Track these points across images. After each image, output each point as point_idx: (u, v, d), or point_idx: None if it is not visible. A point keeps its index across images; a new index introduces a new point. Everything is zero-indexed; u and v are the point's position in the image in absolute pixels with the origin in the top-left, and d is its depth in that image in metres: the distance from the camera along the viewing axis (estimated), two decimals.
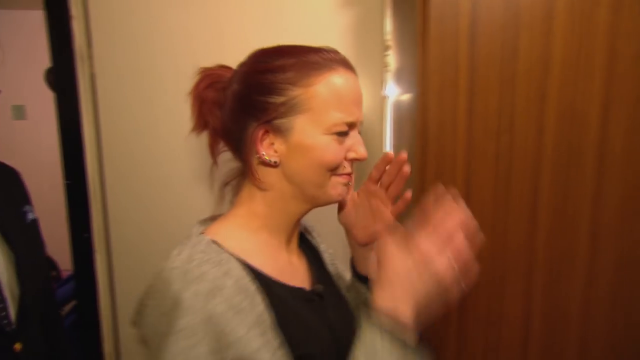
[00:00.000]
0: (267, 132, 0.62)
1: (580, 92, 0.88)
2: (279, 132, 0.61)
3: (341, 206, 0.79)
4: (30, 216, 0.99)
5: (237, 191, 0.70)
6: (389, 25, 1.18)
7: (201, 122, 0.68)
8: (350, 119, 0.62)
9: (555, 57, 0.87)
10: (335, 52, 0.64)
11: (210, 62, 0.72)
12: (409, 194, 0.76)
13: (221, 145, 0.71)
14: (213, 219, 0.69)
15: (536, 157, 0.91)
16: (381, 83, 1.21)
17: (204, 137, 0.71)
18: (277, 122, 0.61)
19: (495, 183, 0.91)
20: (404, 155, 0.74)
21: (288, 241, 0.70)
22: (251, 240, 0.64)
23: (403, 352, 0.50)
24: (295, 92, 0.59)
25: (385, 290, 0.54)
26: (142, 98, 1.20)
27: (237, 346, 0.50)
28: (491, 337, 0.98)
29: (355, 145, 0.65)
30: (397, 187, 0.75)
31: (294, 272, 0.69)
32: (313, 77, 0.59)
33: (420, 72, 0.88)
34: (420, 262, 0.52)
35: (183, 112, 0.75)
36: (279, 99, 0.59)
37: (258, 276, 0.59)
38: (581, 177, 0.91)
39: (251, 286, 0.56)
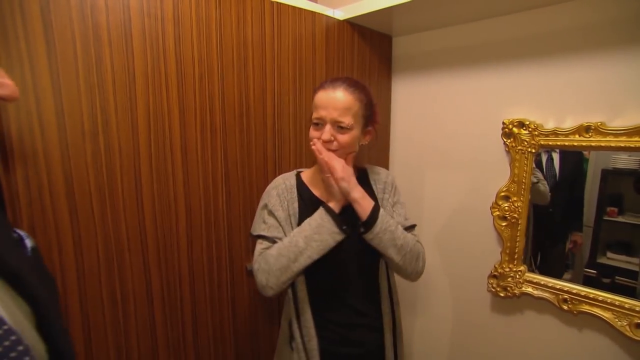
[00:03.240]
0: None
1: (162, 100, 1.12)
2: None
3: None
4: (28, 244, 0.73)
5: None
6: None
7: None
8: (315, 115, 1.07)
9: (137, 70, 1.06)
10: (338, 78, 1.09)
11: None
12: None
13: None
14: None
15: (135, 153, 1.09)
16: None
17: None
18: None
19: (97, 179, 1.03)
20: None
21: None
22: (315, 176, 1.19)
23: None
24: (314, 101, 1.10)
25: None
26: None
27: (269, 208, 1.13)
28: (115, 313, 1.11)
29: (323, 132, 1.06)
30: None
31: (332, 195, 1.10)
32: (316, 92, 1.10)
33: None
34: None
35: None
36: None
37: (303, 189, 1.17)
38: (172, 166, 1.16)
39: (294, 190, 1.16)
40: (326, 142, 1.06)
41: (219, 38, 1.21)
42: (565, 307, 1.32)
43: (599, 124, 1.18)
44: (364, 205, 1.06)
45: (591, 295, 1.25)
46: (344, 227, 1.05)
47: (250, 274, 1.39)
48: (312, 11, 1.44)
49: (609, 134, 1.17)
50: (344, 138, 1.06)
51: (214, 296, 1.31)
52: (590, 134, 1.20)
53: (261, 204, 1.17)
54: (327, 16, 1.49)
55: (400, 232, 1.08)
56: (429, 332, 1.83)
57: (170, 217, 1.18)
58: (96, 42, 0.99)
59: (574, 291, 1.29)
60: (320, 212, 1.06)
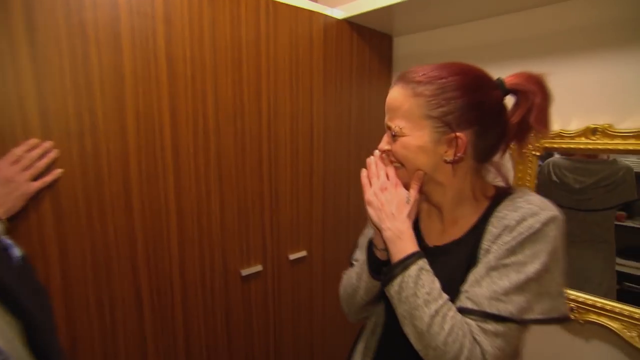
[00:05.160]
0: None
1: (152, 101, 1.08)
2: None
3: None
4: (16, 253, 0.67)
5: None
6: None
7: None
8: (385, 121, 0.80)
9: (126, 69, 1.03)
10: (411, 69, 0.77)
11: None
12: None
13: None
14: None
15: (124, 155, 1.05)
16: None
17: None
18: None
19: (83, 181, 1.00)
20: None
21: (438, 208, 0.84)
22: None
23: None
24: None
25: None
26: None
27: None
28: (106, 318, 1.07)
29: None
30: None
31: (432, 228, 0.86)
32: None
33: None
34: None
35: None
36: None
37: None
38: (163, 169, 1.13)
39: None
40: (383, 152, 0.83)
41: (212, 37, 1.18)
42: (571, 317, 1.26)
43: (607, 126, 1.14)
44: (392, 249, 0.76)
45: (599, 304, 1.20)
46: (375, 274, 0.84)
47: (245, 280, 1.35)
48: (309, 10, 1.40)
49: (616, 137, 1.12)
50: (394, 148, 0.78)
51: (207, 303, 1.27)
52: (597, 137, 1.15)
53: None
54: (325, 15, 1.45)
55: (429, 313, 0.68)
56: None
57: (160, 222, 1.14)
58: (83, 40, 0.96)
59: (580, 299, 1.24)
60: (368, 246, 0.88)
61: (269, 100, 1.34)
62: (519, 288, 0.66)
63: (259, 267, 1.37)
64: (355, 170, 1.65)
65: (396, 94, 0.77)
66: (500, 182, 0.80)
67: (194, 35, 1.14)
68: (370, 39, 1.63)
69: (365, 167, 0.86)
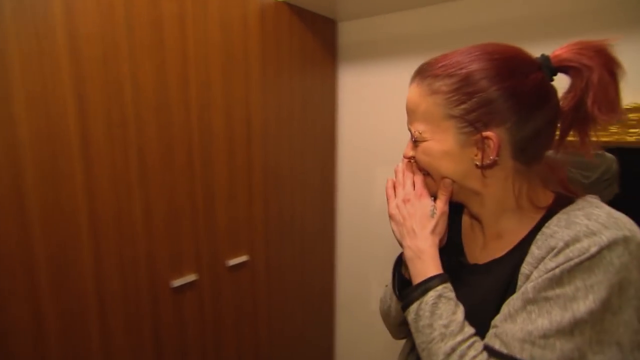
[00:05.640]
0: None
1: (47, 84, 0.90)
2: None
3: None
4: None
5: None
6: None
7: None
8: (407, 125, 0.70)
9: (10, 48, 0.84)
10: (431, 60, 0.66)
11: None
12: None
13: None
14: None
15: (12, 150, 0.86)
16: None
17: None
18: None
19: None
20: None
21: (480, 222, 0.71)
22: None
23: None
24: None
25: None
26: None
27: None
28: None
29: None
30: None
31: (474, 242, 0.73)
32: None
33: None
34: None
35: None
36: None
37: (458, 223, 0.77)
38: (68, 166, 0.94)
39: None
40: (408, 159, 0.73)
41: (126, 12, 1.00)
42: None
43: None
44: (412, 270, 0.67)
45: None
46: (398, 292, 0.75)
47: (177, 291, 1.19)
48: None
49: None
50: (417, 154, 0.69)
51: (131, 322, 1.09)
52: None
53: None
54: None
55: (444, 350, 0.58)
56: None
57: (67, 229, 0.95)
58: None
59: None
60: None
61: (199, 88, 1.19)
62: (564, 331, 0.51)
63: (192, 277, 1.22)
64: (300, 165, 1.54)
65: (412, 94, 0.66)
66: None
67: (102, 9, 0.96)
68: (312, 24, 1.52)
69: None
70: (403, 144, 1.51)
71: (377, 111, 1.57)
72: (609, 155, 0.87)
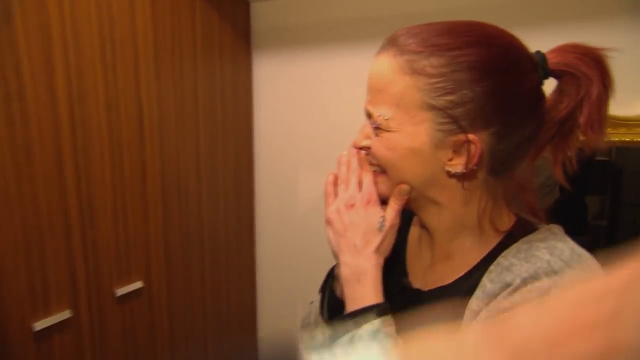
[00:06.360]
0: None
1: None
2: None
3: None
4: None
5: None
6: None
7: None
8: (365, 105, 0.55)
9: None
10: (408, 28, 0.51)
11: None
12: None
13: None
14: None
15: None
16: None
17: None
18: None
19: None
20: None
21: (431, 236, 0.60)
22: None
23: None
24: None
25: None
26: None
27: None
28: None
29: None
30: None
31: (419, 261, 0.63)
32: None
33: None
34: None
35: None
36: None
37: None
38: None
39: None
40: (359, 149, 0.58)
41: None
42: None
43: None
44: (347, 293, 0.56)
45: None
46: (329, 317, 0.61)
47: (41, 336, 0.93)
48: None
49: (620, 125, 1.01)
50: (375, 145, 0.54)
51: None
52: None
53: None
54: None
55: None
56: None
57: None
58: None
59: None
60: None
61: (68, 80, 0.95)
62: None
63: (64, 314, 0.97)
64: (209, 168, 1.32)
65: (383, 67, 0.51)
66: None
67: None
68: (219, 4, 1.31)
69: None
70: (330, 143, 1.34)
71: (300, 106, 1.41)
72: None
